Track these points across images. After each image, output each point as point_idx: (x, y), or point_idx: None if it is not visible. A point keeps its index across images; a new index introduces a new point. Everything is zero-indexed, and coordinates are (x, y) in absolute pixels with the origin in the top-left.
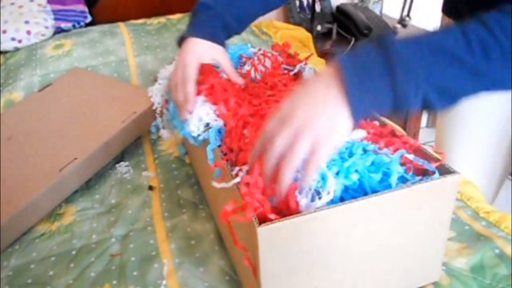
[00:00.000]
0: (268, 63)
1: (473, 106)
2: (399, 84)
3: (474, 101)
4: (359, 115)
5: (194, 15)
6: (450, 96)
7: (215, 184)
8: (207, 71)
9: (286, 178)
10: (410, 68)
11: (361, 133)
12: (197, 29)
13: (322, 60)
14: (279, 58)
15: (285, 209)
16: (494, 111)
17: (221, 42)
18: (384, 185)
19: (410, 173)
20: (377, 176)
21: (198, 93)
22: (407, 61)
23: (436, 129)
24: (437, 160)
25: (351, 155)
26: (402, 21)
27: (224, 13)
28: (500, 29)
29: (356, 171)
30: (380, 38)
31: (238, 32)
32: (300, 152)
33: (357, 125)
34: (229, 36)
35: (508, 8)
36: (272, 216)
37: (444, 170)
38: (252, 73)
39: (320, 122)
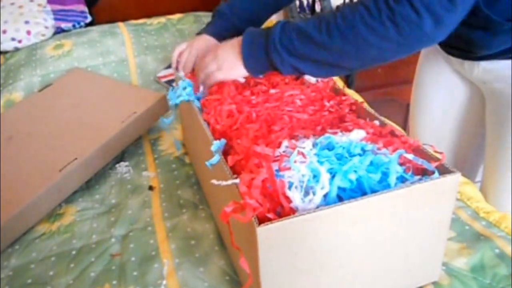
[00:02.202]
0: None
1: (432, 92)
2: (270, 58)
3: (433, 87)
4: (253, 72)
5: (212, 18)
6: (312, 64)
7: (214, 182)
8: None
9: (200, 79)
10: (278, 47)
11: (360, 133)
12: (209, 29)
13: None
14: None
15: (278, 206)
16: (450, 96)
17: (215, 37)
18: (383, 185)
19: (409, 173)
20: (376, 176)
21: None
22: (277, 42)
23: (409, 116)
24: (436, 159)
25: (349, 154)
26: None
27: (234, 19)
28: (341, 16)
29: (355, 171)
30: (273, 26)
31: None
32: (208, 70)
33: (255, 75)
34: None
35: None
36: (270, 215)
37: (444, 170)
38: None
39: (226, 62)
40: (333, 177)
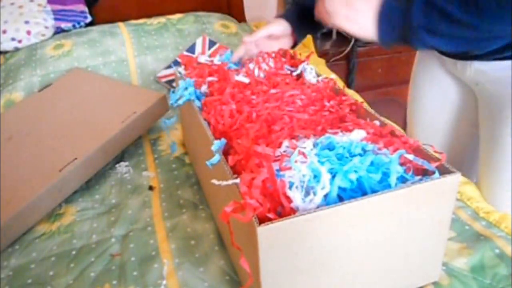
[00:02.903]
0: (271, 63)
1: (427, 92)
2: (406, 36)
3: (427, 88)
4: (381, 41)
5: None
6: (450, 41)
7: (214, 182)
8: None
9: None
10: (417, 28)
11: (361, 133)
12: (285, 12)
13: (322, 60)
14: (282, 59)
15: (278, 206)
16: (446, 97)
17: (290, 22)
18: (384, 185)
19: (410, 173)
20: (377, 176)
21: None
22: (419, 23)
23: (407, 116)
24: (437, 160)
25: (350, 154)
26: None
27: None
28: None
29: (356, 171)
30: (411, 4)
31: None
32: (335, 11)
33: (382, 45)
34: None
35: None
36: (270, 215)
37: (444, 170)
38: (256, 71)
39: (356, 17)
40: (333, 177)
